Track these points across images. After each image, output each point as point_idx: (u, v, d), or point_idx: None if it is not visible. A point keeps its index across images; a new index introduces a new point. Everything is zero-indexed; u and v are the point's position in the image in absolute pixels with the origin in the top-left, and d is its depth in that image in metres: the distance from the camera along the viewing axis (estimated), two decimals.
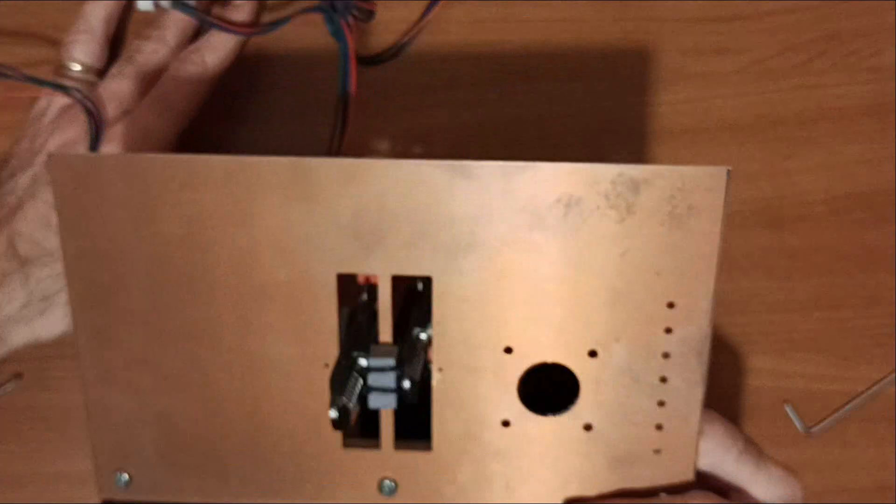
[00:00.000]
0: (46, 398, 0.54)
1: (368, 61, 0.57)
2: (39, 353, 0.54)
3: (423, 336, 0.38)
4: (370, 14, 0.56)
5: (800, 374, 0.56)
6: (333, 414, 0.35)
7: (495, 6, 0.59)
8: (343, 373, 0.36)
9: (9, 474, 0.54)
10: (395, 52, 0.56)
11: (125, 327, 0.37)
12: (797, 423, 0.55)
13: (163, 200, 0.35)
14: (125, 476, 0.39)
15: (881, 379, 0.55)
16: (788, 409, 0.55)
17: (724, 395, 0.55)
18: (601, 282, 0.35)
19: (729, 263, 0.56)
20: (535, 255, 0.35)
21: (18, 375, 0.54)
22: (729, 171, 0.34)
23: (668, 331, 0.36)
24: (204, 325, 0.37)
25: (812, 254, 0.57)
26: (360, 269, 0.36)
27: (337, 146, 0.52)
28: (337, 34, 0.52)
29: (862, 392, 0.55)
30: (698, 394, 0.37)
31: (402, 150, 0.57)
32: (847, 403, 0.55)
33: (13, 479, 0.54)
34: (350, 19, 0.54)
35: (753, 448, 0.41)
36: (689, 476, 0.39)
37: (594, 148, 0.57)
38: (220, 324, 0.37)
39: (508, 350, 0.37)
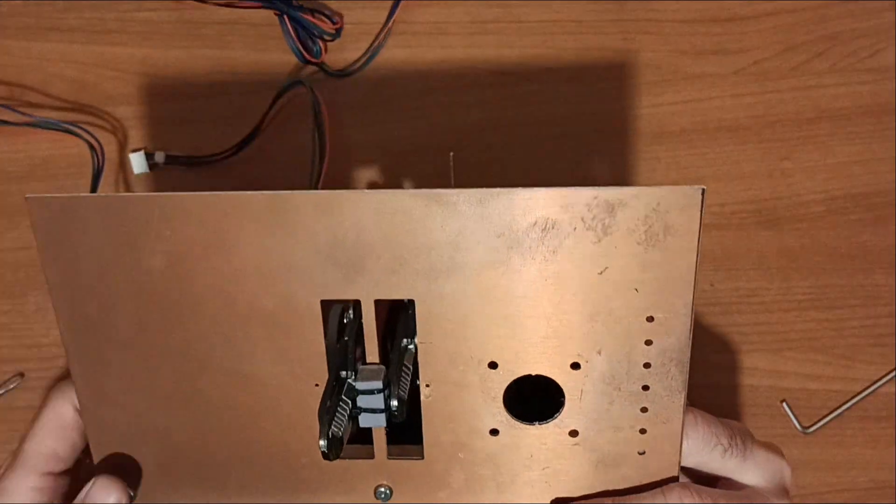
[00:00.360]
0: None
1: (341, 74, 0.58)
2: (40, 354, 0.54)
3: (410, 347, 0.38)
4: (338, 31, 0.56)
5: (797, 373, 0.56)
6: (324, 447, 0.36)
7: (495, 6, 0.59)
8: (331, 401, 0.37)
9: None
10: (366, 58, 0.57)
11: (116, 352, 0.38)
12: (795, 423, 0.55)
13: (144, 236, 0.35)
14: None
15: (879, 378, 0.55)
16: (786, 408, 0.55)
17: (721, 395, 0.56)
18: (581, 299, 0.36)
19: (727, 263, 0.57)
20: (514, 276, 0.36)
21: (19, 375, 0.54)
22: (703, 191, 0.35)
23: (649, 342, 0.37)
24: (193, 349, 0.37)
25: (810, 254, 0.57)
26: (343, 294, 0.36)
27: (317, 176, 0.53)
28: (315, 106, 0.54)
29: (860, 391, 0.55)
30: (680, 399, 0.38)
31: (400, 150, 0.57)
32: (845, 403, 0.55)
33: None
34: (320, 43, 0.56)
35: (738, 439, 0.41)
36: (673, 472, 0.40)
37: (593, 148, 0.58)
38: (209, 347, 0.37)
39: (493, 365, 0.37)
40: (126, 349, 0.37)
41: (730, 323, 0.56)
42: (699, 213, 0.35)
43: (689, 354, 0.37)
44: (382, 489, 0.40)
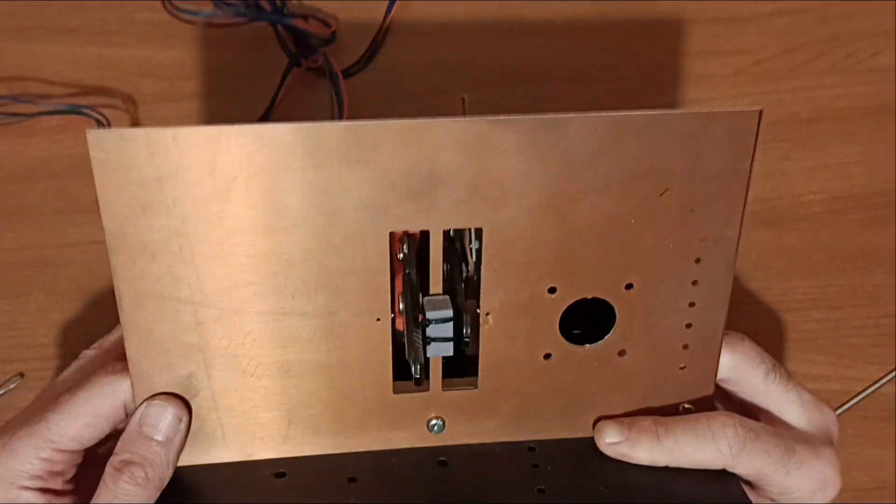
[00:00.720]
0: None
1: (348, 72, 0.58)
2: (40, 354, 0.54)
3: (472, 276, 0.40)
4: (333, 35, 0.56)
5: (797, 373, 0.55)
6: (417, 372, 0.38)
7: (495, 6, 0.59)
8: (415, 329, 0.38)
9: None
10: (366, 59, 0.57)
11: (171, 294, 0.37)
12: None
13: (207, 167, 0.35)
14: None
15: (879, 378, 0.55)
16: None
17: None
18: (640, 220, 0.38)
19: None
20: (578, 199, 0.37)
21: (19, 375, 0.54)
22: (761, 112, 0.36)
23: (698, 261, 0.39)
24: (250, 288, 0.37)
25: (810, 254, 0.57)
26: (412, 226, 0.37)
27: None
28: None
29: (860, 391, 0.55)
30: (722, 315, 0.40)
31: None
32: (845, 403, 0.55)
33: None
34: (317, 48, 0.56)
35: (782, 370, 0.42)
36: (709, 390, 0.41)
37: None
38: (267, 287, 0.37)
39: (552, 290, 0.39)
40: (180, 288, 0.37)
41: (729, 323, 0.56)
42: (755, 133, 0.36)
43: (734, 270, 0.39)
44: (435, 422, 0.40)
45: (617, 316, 0.39)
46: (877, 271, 0.57)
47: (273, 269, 0.37)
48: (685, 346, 0.40)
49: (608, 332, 0.40)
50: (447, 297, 0.39)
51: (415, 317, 0.39)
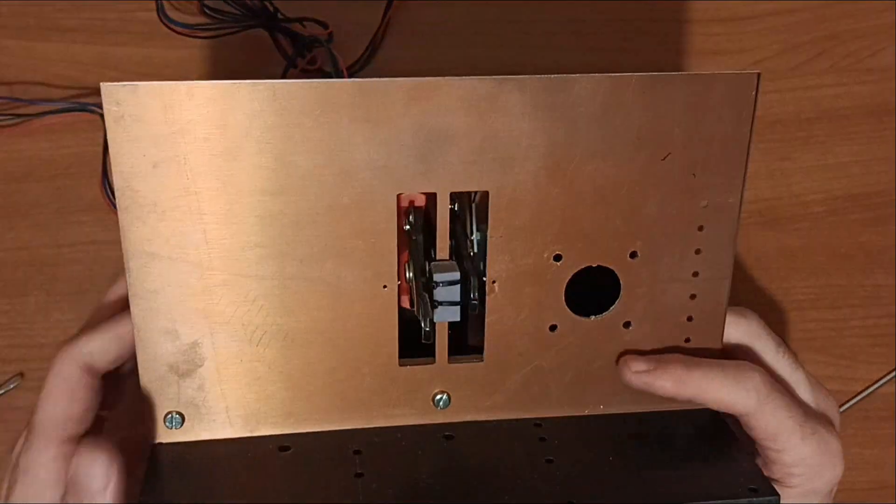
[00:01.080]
0: None
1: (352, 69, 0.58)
2: (40, 354, 0.54)
3: (479, 241, 0.40)
4: (330, 36, 0.56)
5: None
6: (428, 327, 0.38)
7: (495, 6, 0.59)
8: (424, 292, 0.38)
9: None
10: (365, 59, 0.57)
11: (178, 256, 0.37)
12: None
13: (222, 122, 0.35)
14: (177, 417, 0.39)
15: (879, 379, 0.56)
16: None
17: None
18: (644, 185, 0.38)
19: None
20: (582, 163, 0.37)
21: (19, 375, 0.54)
22: (759, 75, 0.37)
23: (701, 228, 0.39)
24: (257, 249, 0.37)
25: (810, 254, 0.57)
26: (420, 188, 0.37)
27: None
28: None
29: (860, 391, 0.55)
30: (726, 286, 0.40)
31: None
32: (845, 403, 0.55)
33: None
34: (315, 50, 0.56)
35: (790, 349, 0.42)
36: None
37: None
38: (280, 245, 0.37)
39: (558, 257, 0.39)
40: (188, 249, 0.37)
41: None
42: (753, 96, 0.37)
43: (736, 239, 0.40)
44: (440, 396, 0.40)
45: (622, 286, 0.40)
46: (877, 271, 0.57)
47: (281, 232, 0.37)
48: (689, 318, 0.41)
49: (613, 304, 0.40)
50: (454, 262, 0.39)
51: (423, 282, 0.39)
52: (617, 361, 0.41)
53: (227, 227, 0.37)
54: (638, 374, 0.40)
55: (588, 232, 0.38)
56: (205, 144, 0.35)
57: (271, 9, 0.56)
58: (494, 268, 0.39)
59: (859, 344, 0.56)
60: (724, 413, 0.40)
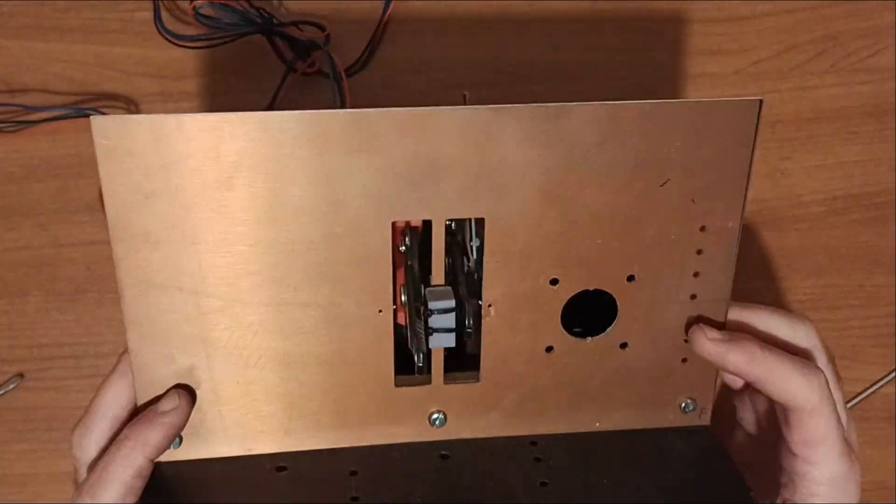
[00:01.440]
0: (46, 398, 0.54)
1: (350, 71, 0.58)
2: (40, 354, 0.54)
3: (466, 274, 0.40)
4: (328, 38, 0.56)
5: None
6: (421, 361, 0.38)
7: (495, 6, 0.59)
8: (418, 320, 0.39)
9: (9, 474, 0.54)
10: (365, 58, 0.57)
11: (171, 283, 0.37)
12: None
13: (207, 155, 0.35)
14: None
15: (880, 379, 0.55)
16: None
17: (722, 395, 0.56)
18: (641, 210, 0.38)
19: None
20: (579, 189, 0.37)
21: (19, 375, 0.54)
22: (761, 102, 0.37)
23: (699, 252, 0.39)
24: (252, 277, 0.37)
25: (810, 254, 0.57)
26: (415, 215, 0.37)
27: None
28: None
29: (860, 392, 0.55)
30: (724, 307, 0.40)
31: None
32: (845, 403, 0.55)
33: (13, 479, 0.54)
34: (313, 53, 0.56)
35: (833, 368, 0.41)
36: (711, 374, 0.41)
37: None
38: (269, 277, 0.37)
39: (554, 281, 0.39)
40: (182, 277, 0.37)
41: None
42: (755, 123, 0.37)
43: (735, 262, 0.40)
44: (436, 415, 0.40)
45: (619, 308, 0.39)
46: (877, 271, 0.57)
47: (275, 259, 0.37)
48: (687, 340, 0.40)
49: (610, 326, 0.40)
50: (449, 287, 0.39)
51: (417, 308, 0.39)
52: (686, 330, 0.40)
53: (222, 255, 0.37)
54: (714, 341, 0.39)
55: (585, 257, 0.38)
56: (197, 176, 0.35)
57: (265, 14, 0.56)
58: (490, 291, 0.38)
59: (859, 344, 0.56)
60: (775, 406, 0.39)
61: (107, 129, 0.34)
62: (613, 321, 0.40)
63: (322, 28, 0.56)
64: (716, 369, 0.41)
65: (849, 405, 0.55)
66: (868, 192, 0.58)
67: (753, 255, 0.57)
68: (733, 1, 0.59)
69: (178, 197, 0.36)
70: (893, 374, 0.56)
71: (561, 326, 0.39)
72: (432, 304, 0.38)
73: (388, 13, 0.58)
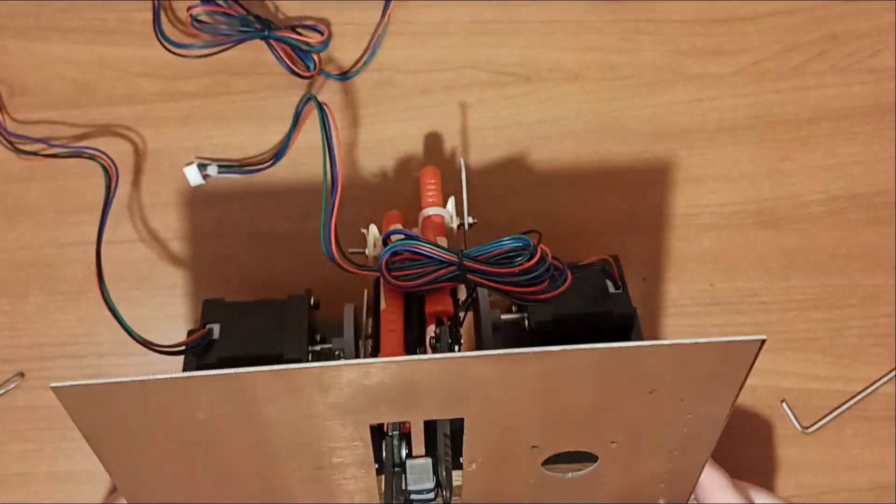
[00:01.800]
0: (46, 398, 0.54)
1: (342, 77, 0.58)
2: (40, 353, 0.54)
3: (447, 435, 0.40)
4: (327, 41, 0.56)
5: (797, 373, 0.56)
6: None
7: (495, 6, 0.59)
8: (392, 483, 0.39)
9: (9, 474, 0.54)
10: (365, 58, 0.57)
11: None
12: (795, 423, 0.55)
13: (170, 411, 0.36)
14: None
15: (879, 378, 0.55)
16: (786, 408, 0.55)
17: None
18: (628, 409, 0.38)
19: (727, 263, 0.57)
20: (564, 394, 0.37)
21: (19, 375, 0.54)
22: (762, 343, 0.35)
23: (685, 425, 0.39)
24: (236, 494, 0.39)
25: (810, 254, 0.57)
26: (393, 419, 0.38)
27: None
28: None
29: (860, 391, 0.55)
30: (705, 457, 0.40)
31: (403, 149, 0.57)
32: (845, 403, 0.55)
33: (13, 479, 0.54)
34: (313, 56, 0.56)
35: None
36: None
37: (593, 148, 0.58)
38: (264, 475, 0.39)
39: (535, 447, 0.39)
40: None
41: (730, 323, 0.56)
42: (752, 360, 0.35)
43: (722, 428, 0.39)
44: None
45: (599, 460, 0.40)
46: (877, 271, 0.57)
47: (259, 469, 0.38)
48: (663, 483, 0.42)
49: (588, 469, 0.40)
50: (429, 459, 0.39)
51: (396, 482, 0.39)
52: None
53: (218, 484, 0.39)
54: None
55: (567, 434, 0.39)
56: (176, 433, 0.36)
57: (264, 21, 0.56)
58: (471, 453, 0.39)
59: (859, 344, 0.56)
60: None
61: (70, 397, 0.34)
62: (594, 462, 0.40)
63: (321, 31, 0.56)
64: (691, 490, 0.43)
65: (849, 405, 0.55)
66: (868, 192, 0.58)
67: (753, 255, 0.57)
68: (733, 1, 0.59)
69: (154, 451, 0.37)
70: (893, 374, 0.56)
71: (543, 471, 0.40)
72: (413, 486, 0.39)
73: (388, 13, 0.58)
